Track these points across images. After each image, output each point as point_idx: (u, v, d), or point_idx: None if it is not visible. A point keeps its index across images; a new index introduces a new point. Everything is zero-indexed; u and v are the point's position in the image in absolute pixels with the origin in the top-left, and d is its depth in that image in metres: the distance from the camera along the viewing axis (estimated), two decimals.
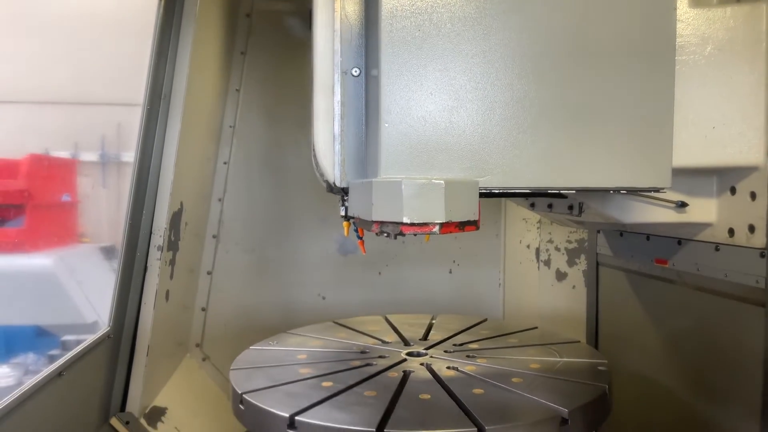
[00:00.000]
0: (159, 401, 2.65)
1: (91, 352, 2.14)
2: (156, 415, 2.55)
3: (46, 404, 1.81)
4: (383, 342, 2.16)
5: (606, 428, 2.44)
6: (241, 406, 1.66)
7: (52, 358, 1.96)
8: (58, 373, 1.88)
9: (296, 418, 1.48)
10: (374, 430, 1.38)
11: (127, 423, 2.36)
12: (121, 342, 2.40)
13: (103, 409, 2.32)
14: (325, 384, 1.71)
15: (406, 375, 1.78)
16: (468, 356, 1.94)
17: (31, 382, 1.71)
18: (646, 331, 2.15)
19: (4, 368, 2.32)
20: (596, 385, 1.62)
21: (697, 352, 1.89)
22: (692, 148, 1.65)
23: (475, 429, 1.38)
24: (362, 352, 2.04)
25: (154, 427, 2.48)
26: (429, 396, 1.60)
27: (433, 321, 2.45)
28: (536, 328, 2.30)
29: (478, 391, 1.61)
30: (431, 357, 1.95)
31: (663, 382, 2.06)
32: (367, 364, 1.89)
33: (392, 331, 2.31)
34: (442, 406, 1.53)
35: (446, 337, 2.21)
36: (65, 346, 2.20)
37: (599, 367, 1.78)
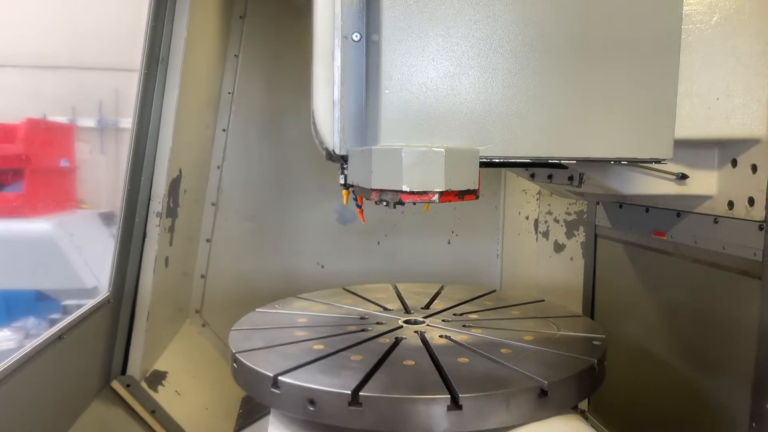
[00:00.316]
0: (159, 365, 2.69)
1: (91, 316, 2.16)
2: (157, 378, 2.59)
3: (47, 366, 1.84)
4: (385, 309, 2.19)
5: (598, 397, 2.49)
6: (234, 364, 1.71)
7: (52, 322, 1.98)
8: (59, 337, 1.90)
9: (279, 378, 1.52)
10: (350, 392, 1.41)
11: (128, 386, 2.40)
12: (121, 307, 2.42)
13: (105, 372, 2.35)
14: (316, 347, 1.75)
15: (397, 341, 1.80)
16: (464, 326, 1.96)
17: (31, 344, 1.73)
18: (642, 302, 2.17)
19: (5, 331, 2.34)
20: (583, 359, 1.62)
21: (692, 324, 1.91)
22: (695, 119, 1.63)
23: (449, 396, 1.39)
24: (362, 318, 2.07)
25: (155, 390, 2.52)
26: (413, 362, 1.62)
27: (441, 291, 2.47)
28: (543, 300, 2.30)
29: (463, 359, 1.63)
30: (428, 326, 1.97)
31: (657, 352, 2.08)
32: (363, 330, 1.92)
33: (397, 299, 2.34)
34: (423, 373, 1.54)
35: (448, 306, 2.23)
36: (66, 311, 2.22)
37: (594, 342, 1.78)
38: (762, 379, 1.57)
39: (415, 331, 1.90)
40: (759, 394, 1.57)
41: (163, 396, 2.52)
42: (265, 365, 1.61)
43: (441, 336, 1.85)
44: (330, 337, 1.85)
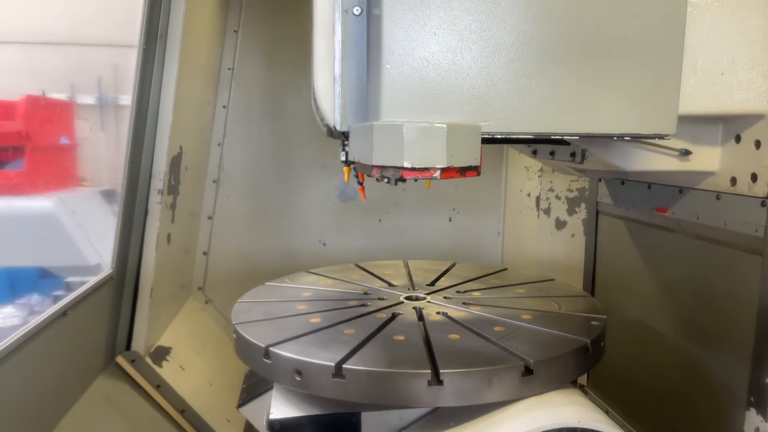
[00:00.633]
0: (163, 341, 2.72)
1: (95, 292, 2.18)
2: (161, 354, 2.62)
3: (52, 342, 1.86)
4: (390, 285, 2.20)
5: (598, 372, 2.52)
6: (234, 335, 1.76)
7: (57, 299, 2.00)
8: (63, 313, 1.91)
9: (270, 349, 1.57)
10: (333, 365, 1.44)
11: (133, 361, 2.43)
12: (124, 284, 2.44)
13: (109, 348, 2.38)
14: (313, 320, 1.79)
15: (393, 317, 1.82)
16: (464, 303, 1.97)
17: (36, 320, 1.75)
18: (643, 279, 2.18)
19: (9, 308, 2.36)
20: (577, 339, 1.62)
21: (693, 299, 1.91)
22: (699, 94, 1.61)
23: (430, 371, 1.41)
24: (365, 294, 2.09)
25: (159, 365, 2.55)
26: (403, 337, 1.64)
27: (451, 268, 2.48)
28: (552, 279, 2.30)
29: (453, 336, 1.64)
30: (428, 302, 1.98)
31: (657, 328, 2.10)
32: (363, 305, 1.94)
33: (406, 276, 2.35)
34: (410, 348, 1.56)
35: (455, 283, 2.24)
36: (69, 288, 2.23)
37: (593, 322, 1.78)
38: (761, 355, 1.58)
39: (414, 308, 1.92)
40: (758, 369, 1.59)
41: (167, 371, 2.55)
42: (259, 336, 1.65)
43: (438, 312, 1.87)
44: (329, 311, 1.89)
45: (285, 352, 1.55)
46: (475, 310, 1.89)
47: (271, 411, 1.59)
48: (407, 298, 2.03)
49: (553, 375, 1.53)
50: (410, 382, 1.41)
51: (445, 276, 2.36)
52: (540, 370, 1.48)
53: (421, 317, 1.82)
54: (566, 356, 1.54)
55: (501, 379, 1.45)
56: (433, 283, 2.24)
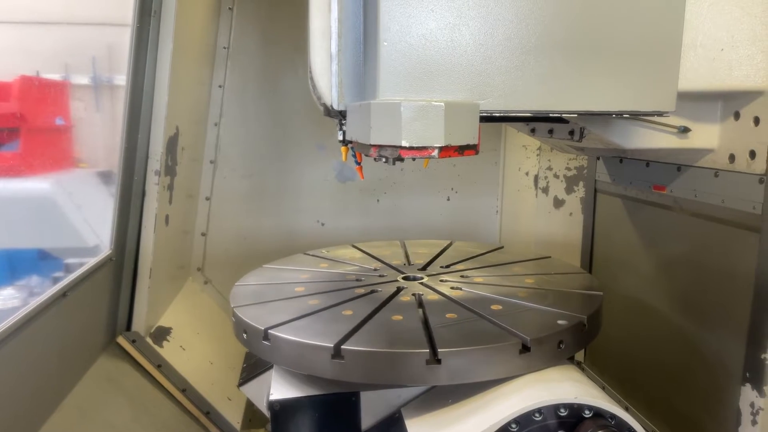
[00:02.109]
0: (163, 321, 2.73)
1: (94, 274, 2.18)
2: (161, 334, 2.63)
3: (53, 323, 1.86)
4: (388, 265, 2.21)
5: (595, 349, 2.54)
6: (233, 318, 1.76)
7: (56, 281, 2.00)
8: (63, 294, 1.92)
9: (269, 331, 1.57)
10: (332, 345, 1.45)
11: (134, 341, 2.45)
12: (123, 265, 2.44)
13: (110, 328, 2.39)
14: (311, 302, 1.79)
15: (391, 297, 1.82)
16: (461, 282, 1.97)
17: (36, 301, 1.76)
18: (640, 256, 2.19)
19: (8, 290, 2.36)
20: (573, 315, 1.63)
21: (690, 277, 1.93)
22: (699, 71, 1.60)
23: (428, 350, 1.41)
24: (363, 274, 2.10)
25: (160, 345, 2.56)
26: (401, 317, 1.64)
27: (448, 247, 2.48)
28: (549, 257, 2.31)
29: (451, 315, 1.64)
30: (425, 282, 1.99)
31: (654, 305, 2.11)
32: (361, 286, 1.94)
33: (403, 256, 2.36)
34: (409, 328, 1.57)
35: (452, 262, 2.25)
36: (68, 269, 2.23)
37: (590, 298, 1.79)
38: (757, 331, 1.59)
39: (411, 288, 1.92)
40: (753, 344, 1.60)
41: (168, 351, 2.57)
42: (257, 319, 1.65)
43: (435, 292, 1.87)
44: (327, 292, 1.89)
45: (284, 334, 1.55)
46: (472, 289, 1.89)
47: (270, 392, 1.61)
48: (405, 278, 2.04)
49: (550, 352, 1.54)
50: (408, 361, 1.42)
51: (442, 255, 2.36)
52: (537, 347, 1.49)
53: (418, 297, 1.83)
54: (562, 333, 1.55)
55: (498, 357, 1.46)
56: (430, 263, 2.25)
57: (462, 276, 2.07)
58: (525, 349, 1.48)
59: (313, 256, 2.39)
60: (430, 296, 1.83)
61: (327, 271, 2.16)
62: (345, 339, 1.49)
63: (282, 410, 1.58)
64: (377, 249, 2.46)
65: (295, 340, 1.52)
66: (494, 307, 1.71)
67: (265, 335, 1.58)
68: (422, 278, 2.03)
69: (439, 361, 1.41)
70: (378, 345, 1.47)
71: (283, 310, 1.74)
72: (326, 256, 2.37)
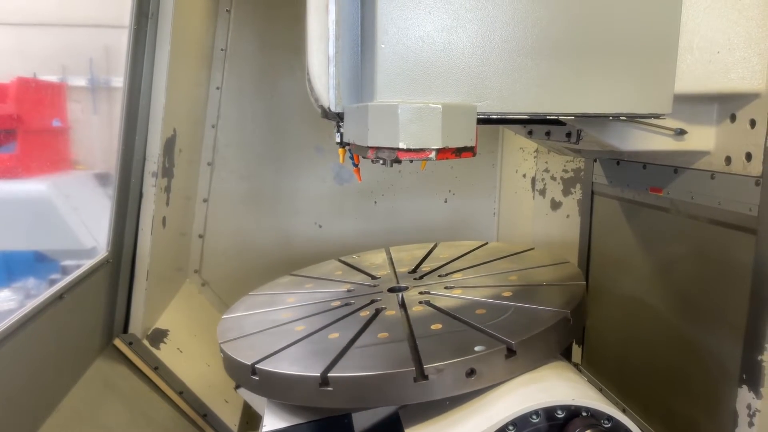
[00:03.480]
0: (161, 324, 2.73)
1: (91, 276, 2.18)
2: (158, 336, 2.63)
3: (49, 325, 1.86)
4: (373, 278, 2.21)
5: (591, 351, 2.54)
6: (221, 354, 1.75)
7: (53, 283, 2.00)
8: (59, 296, 1.92)
9: (256, 366, 1.56)
10: (319, 375, 1.44)
11: (131, 344, 2.44)
12: (120, 267, 2.44)
13: (107, 330, 2.39)
14: (298, 328, 1.78)
15: (377, 313, 1.81)
16: (446, 288, 1.97)
17: (32, 303, 1.75)
18: (637, 258, 2.19)
19: (5, 292, 2.36)
20: (557, 311, 1.62)
21: (686, 279, 1.93)
22: (694, 73, 1.61)
23: (413, 369, 1.40)
24: (348, 291, 2.09)
25: (157, 348, 2.56)
26: (387, 335, 1.63)
27: (433, 250, 2.48)
28: (532, 249, 2.32)
29: (436, 326, 1.63)
30: (410, 292, 1.98)
31: (651, 307, 2.12)
32: (347, 304, 1.94)
33: (388, 265, 2.36)
34: (394, 345, 1.55)
35: (437, 266, 2.25)
36: (65, 271, 2.23)
37: (573, 289, 1.78)
38: (753, 332, 1.60)
39: (397, 300, 1.91)
40: (750, 346, 1.61)
41: (165, 353, 2.57)
42: (245, 354, 1.64)
43: (421, 302, 1.86)
44: (313, 315, 1.87)
45: (271, 367, 1.53)
46: (457, 294, 1.89)
47: (264, 424, 1.60)
48: (390, 290, 2.03)
49: (538, 351, 1.54)
50: (396, 381, 1.41)
51: (428, 259, 2.36)
52: (523, 349, 1.48)
53: (404, 311, 1.81)
54: (548, 331, 1.54)
55: (486, 365, 1.45)
56: (415, 270, 2.25)
57: (446, 280, 2.07)
58: (511, 352, 1.47)
59: (298, 276, 2.39)
60: (414, 308, 1.82)
61: (313, 292, 2.15)
62: (331, 366, 1.47)
63: None
64: (363, 260, 2.46)
65: (281, 373, 1.50)
66: (479, 311, 1.70)
67: (253, 370, 1.57)
68: (407, 288, 2.03)
69: (426, 377, 1.40)
70: (365, 368, 1.45)
71: (270, 340, 1.72)
72: (312, 275, 2.36)
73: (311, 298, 2.08)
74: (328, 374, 1.44)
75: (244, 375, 1.61)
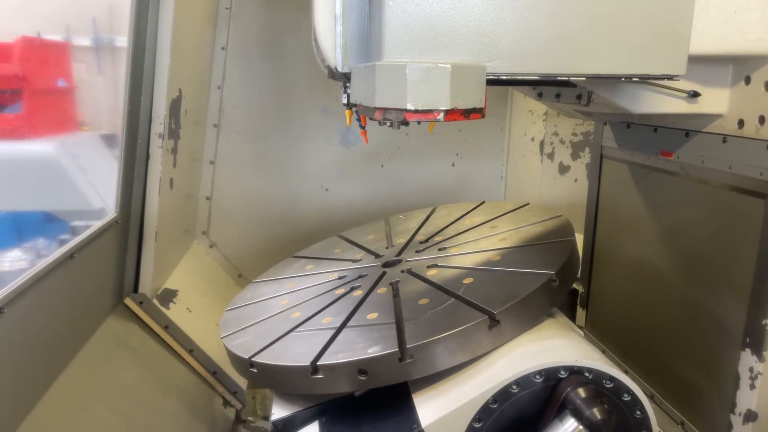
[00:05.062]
0: (170, 284, 2.76)
1: (101, 236, 2.20)
2: (168, 296, 2.67)
3: (60, 284, 1.89)
4: (370, 252, 2.24)
5: (595, 315, 2.57)
6: (225, 348, 1.79)
7: (62, 243, 2.02)
8: (70, 256, 1.94)
9: (253, 360, 1.60)
10: (309, 364, 1.47)
11: (141, 303, 2.48)
12: (129, 228, 2.46)
13: (117, 290, 2.42)
14: (293, 315, 1.81)
15: (368, 293, 1.84)
16: (439, 256, 1.99)
17: (43, 263, 1.77)
18: (645, 223, 2.19)
19: (16, 252, 2.39)
20: (542, 273, 1.63)
21: (693, 242, 1.93)
22: (710, 33, 1.57)
23: (396, 350, 1.42)
24: (345, 270, 2.11)
25: (167, 307, 2.60)
26: (376, 315, 1.65)
27: (432, 214, 2.49)
28: (527, 204, 2.35)
29: (423, 301, 1.65)
30: (403, 267, 2.00)
31: (657, 271, 2.12)
32: (342, 285, 1.96)
33: (385, 238, 2.38)
34: (382, 327, 1.57)
35: (433, 232, 2.26)
36: (75, 232, 2.25)
37: (562, 245, 1.79)
38: (759, 296, 1.60)
39: (389, 276, 1.93)
40: (755, 310, 1.61)
41: (174, 312, 2.61)
42: (243, 347, 1.68)
43: (411, 274, 1.88)
44: (309, 300, 1.90)
45: (265, 360, 1.58)
46: (447, 263, 1.90)
47: (272, 412, 1.64)
48: (385, 265, 2.05)
49: (523, 317, 1.55)
50: (383, 363, 1.43)
51: (425, 225, 2.37)
52: (507, 317, 1.49)
53: (395, 287, 1.83)
54: (532, 296, 1.55)
55: (470, 338, 1.47)
56: (411, 239, 2.26)
57: (439, 249, 2.08)
58: (494, 321, 1.48)
59: (301, 257, 2.42)
60: (405, 283, 1.84)
61: (311, 275, 2.18)
62: (320, 355, 1.50)
63: (285, 427, 1.62)
64: (363, 234, 2.47)
65: (275, 365, 1.54)
66: (466, 281, 1.71)
67: (251, 363, 1.61)
68: (401, 261, 2.04)
69: (411, 356, 1.42)
70: (352, 352, 1.47)
71: (267, 331, 1.76)
72: (313, 255, 2.39)
73: (308, 281, 2.11)
74: (318, 362, 1.47)
75: (244, 368, 1.66)
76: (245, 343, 1.71)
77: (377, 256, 2.19)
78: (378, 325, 1.59)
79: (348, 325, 1.64)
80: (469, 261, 1.87)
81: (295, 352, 1.56)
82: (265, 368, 1.58)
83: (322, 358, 1.49)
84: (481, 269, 1.78)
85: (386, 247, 2.23)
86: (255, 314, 1.92)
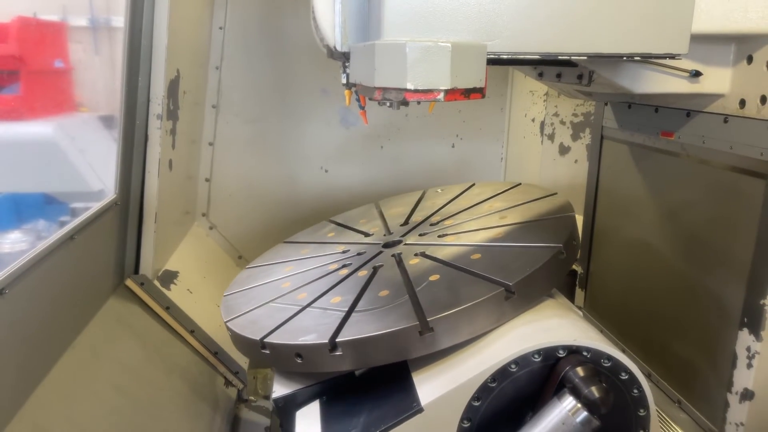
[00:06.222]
0: (170, 265, 2.77)
1: (100, 218, 2.20)
2: (168, 277, 2.68)
3: (61, 265, 1.89)
4: (366, 235, 2.22)
5: (594, 296, 2.58)
6: (229, 332, 1.76)
7: (62, 224, 2.02)
8: (70, 237, 1.94)
9: (266, 340, 1.57)
10: (327, 341, 1.46)
11: (142, 284, 2.49)
12: (128, 209, 2.46)
13: (118, 271, 2.43)
14: (300, 296, 1.79)
15: (375, 271, 1.82)
16: (439, 236, 1.97)
17: (43, 244, 1.78)
18: (645, 203, 2.19)
19: (16, 233, 2.39)
20: (550, 247, 1.63)
21: (693, 223, 1.93)
22: (713, 12, 1.55)
23: (417, 323, 1.42)
24: (344, 252, 2.09)
25: (168, 288, 2.61)
26: (387, 292, 1.64)
27: (422, 198, 2.48)
28: (519, 184, 2.34)
29: (434, 277, 1.64)
30: (405, 245, 1.99)
31: (656, 252, 2.13)
32: (344, 266, 1.94)
33: (380, 220, 2.36)
34: (397, 302, 1.56)
35: (428, 215, 2.24)
36: (75, 213, 2.25)
37: (563, 222, 1.79)
38: (757, 277, 1.61)
39: (393, 255, 1.91)
40: (753, 290, 1.62)
41: (175, 294, 2.62)
42: (252, 329, 1.65)
43: (416, 254, 1.86)
44: (313, 282, 1.88)
45: (280, 340, 1.55)
46: (451, 241, 1.89)
47: (273, 390, 1.64)
48: (385, 245, 2.02)
49: (536, 288, 1.57)
50: (403, 337, 1.43)
51: (418, 208, 2.35)
52: (522, 288, 1.51)
53: (400, 264, 1.82)
54: (544, 267, 1.56)
55: (488, 309, 1.48)
56: (407, 221, 2.24)
57: (438, 228, 2.07)
58: (510, 293, 1.49)
59: (293, 242, 2.39)
60: (411, 261, 1.83)
61: (310, 258, 2.14)
62: (338, 331, 1.49)
63: (286, 405, 1.62)
64: (354, 219, 2.45)
65: (291, 344, 1.52)
66: (474, 256, 1.71)
67: (263, 345, 1.58)
68: (401, 241, 2.03)
69: (431, 329, 1.43)
70: (371, 328, 1.46)
71: (275, 312, 1.73)
72: (307, 240, 2.36)
73: (308, 264, 2.08)
74: (337, 339, 1.46)
75: (254, 350, 1.62)
76: (253, 325, 1.69)
77: (371, 237, 2.18)
78: (391, 302, 1.59)
79: (360, 302, 1.64)
80: (471, 238, 1.87)
81: (311, 331, 1.55)
82: (279, 349, 1.56)
83: (341, 335, 1.48)
84: (487, 245, 1.78)
85: (383, 232, 2.22)
86: (257, 298, 1.90)
